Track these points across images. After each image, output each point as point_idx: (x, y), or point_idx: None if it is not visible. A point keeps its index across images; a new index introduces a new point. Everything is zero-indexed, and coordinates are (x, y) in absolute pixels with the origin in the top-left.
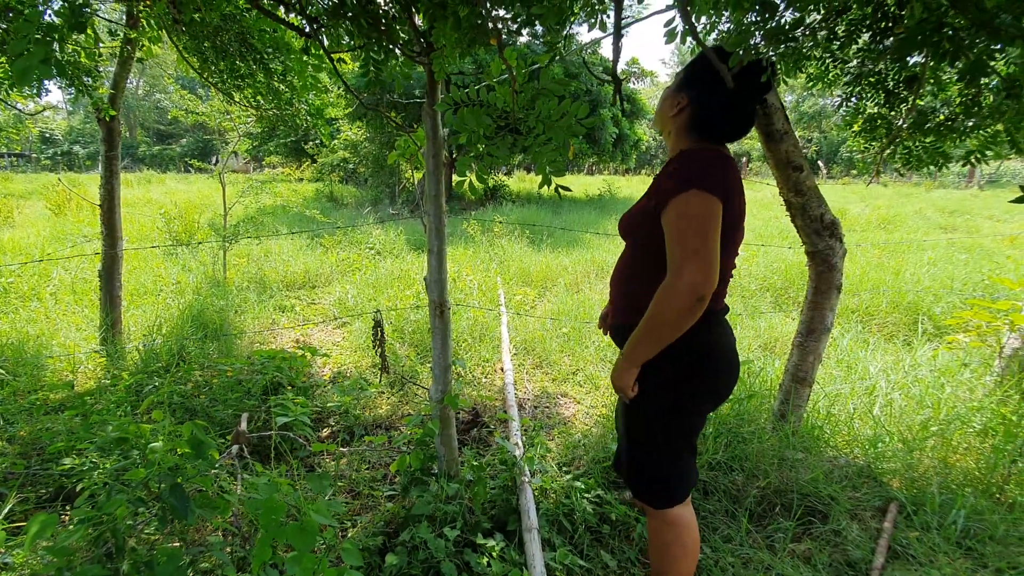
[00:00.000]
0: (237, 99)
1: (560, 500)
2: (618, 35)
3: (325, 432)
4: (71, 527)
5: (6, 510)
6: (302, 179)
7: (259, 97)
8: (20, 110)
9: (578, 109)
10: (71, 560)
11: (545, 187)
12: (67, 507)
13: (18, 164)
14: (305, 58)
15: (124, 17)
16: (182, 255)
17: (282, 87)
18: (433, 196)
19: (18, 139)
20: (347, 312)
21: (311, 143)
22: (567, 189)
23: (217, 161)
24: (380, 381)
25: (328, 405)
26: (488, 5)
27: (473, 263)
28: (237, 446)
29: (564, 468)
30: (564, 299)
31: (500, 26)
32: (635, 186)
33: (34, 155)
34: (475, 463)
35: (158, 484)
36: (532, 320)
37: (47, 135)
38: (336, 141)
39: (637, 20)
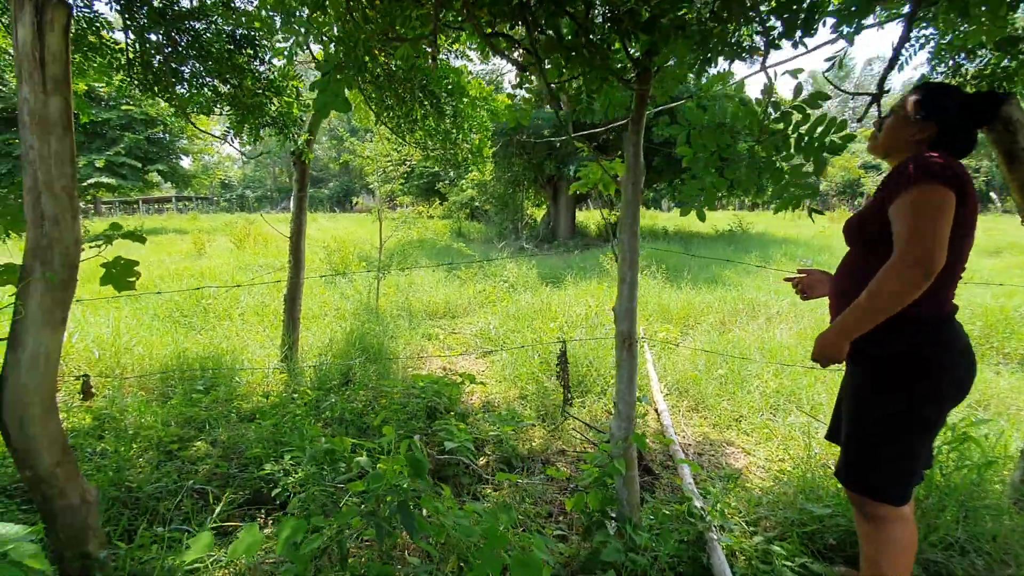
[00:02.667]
0: (408, 141)
1: (757, 566)
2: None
3: (482, 461)
4: (304, 534)
5: (217, 510)
6: (432, 216)
7: (428, 139)
8: (244, 154)
9: (835, 124)
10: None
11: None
12: (261, 509)
13: (201, 206)
14: (477, 101)
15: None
16: (339, 284)
17: (452, 129)
18: (628, 225)
19: (207, 185)
20: (490, 343)
21: (441, 182)
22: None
23: (358, 202)
24: (563, 411)
25: (490, 433)
26: (745, 18)
27: (609, 298)
28: None
29: (751, 527)
30: (713, 339)
31: (761, 40)
32: (768, 220)
33: (214, 198)
34: (666, 511)
35: (378, 500)
36: (680, 360)
37: (226, 181)
38: (464, 180)
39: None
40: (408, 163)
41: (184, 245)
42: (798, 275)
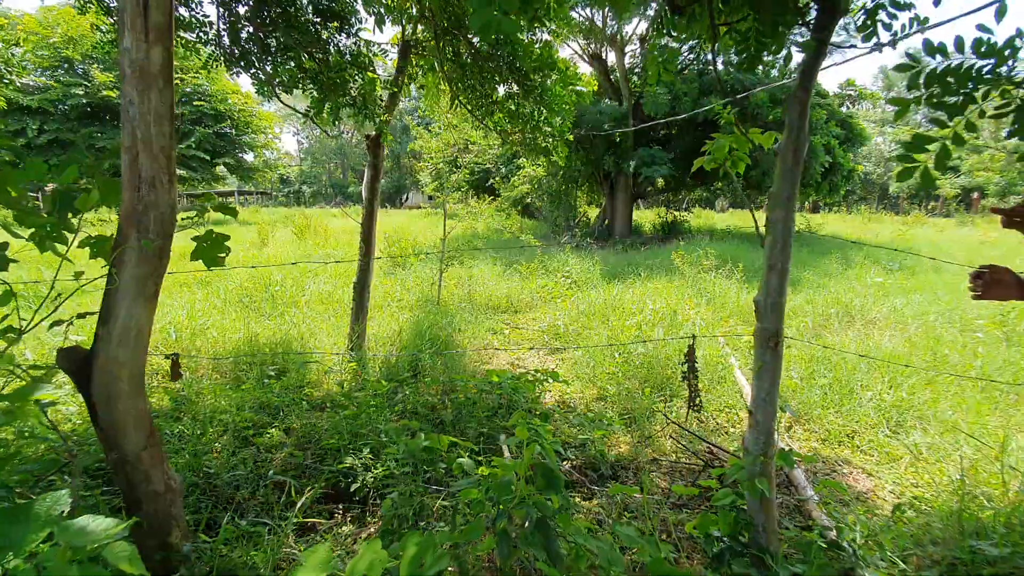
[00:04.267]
0: (487, 124)
1: None
2: None
3: (565, 465)
4: (434, 554)
5: (299, 504)
6: (483, 214)
7: (506, 122)
8: (325, 131)
9: None
10: None
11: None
12: (339, 505)
13: (261, 200)
14: (567, 78)
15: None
16: (400, 275)
17: (535, 108)
18: (784, 200)
19: (269, 179)
20: (561, 339)
21: (494, 178)
22: None
23: (408, 198)
24: (687, 418)
25: (577, 436)
26: None
27: (681, 297)
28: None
29: (901, 564)
30: (808, 345)
31: None
32: (836, 222)
33: (273, 192)
34: (822, 543)
35: (508, 515)
36: None
37: (284, 177)
38: (516, 177)
39: None
40: (473, 150)
41: (249, 235)
42: (983, 270)
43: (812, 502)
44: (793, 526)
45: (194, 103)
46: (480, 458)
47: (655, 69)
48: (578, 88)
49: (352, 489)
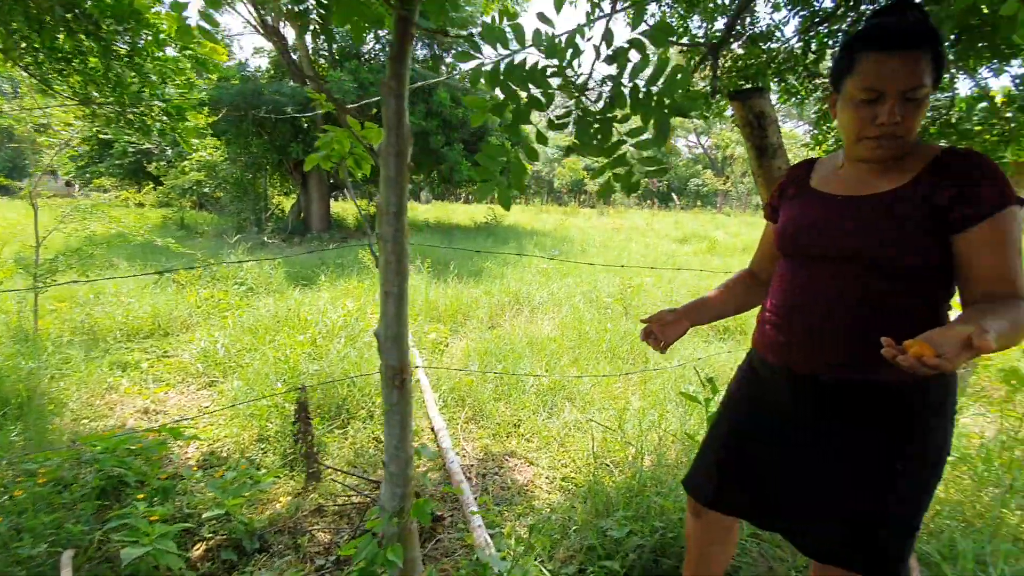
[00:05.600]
0: (58, 89)
1: None
2: None
3: (199, 550)
4: None
5: None
6: (143, 204)
7: (91, 87)
8: None
9: (683, 76)
10: None
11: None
12: None
13: None
14: (163, 35)
15: None
16: None
17: (129, 74)
18: (393, 214)
19: None
20: (217, 367)
21: (155, 163)
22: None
23: (35, 184)
24: (309, 488)
25: (205, 515)
26: None
27: (371, 297)
28: None
29: (548, 563)
30: (483, 336)
31: None
32: (517, 213)
33: None
34: None
35: None
36: (454, 362)
37: None
38: (187, 162)
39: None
40: (72, 128)
41: None
42: (650, 323)
43: (473, 527)
44: (457, 560)
45: None
46: None
47: (179, 28)
48: (198, 55)
49: None
